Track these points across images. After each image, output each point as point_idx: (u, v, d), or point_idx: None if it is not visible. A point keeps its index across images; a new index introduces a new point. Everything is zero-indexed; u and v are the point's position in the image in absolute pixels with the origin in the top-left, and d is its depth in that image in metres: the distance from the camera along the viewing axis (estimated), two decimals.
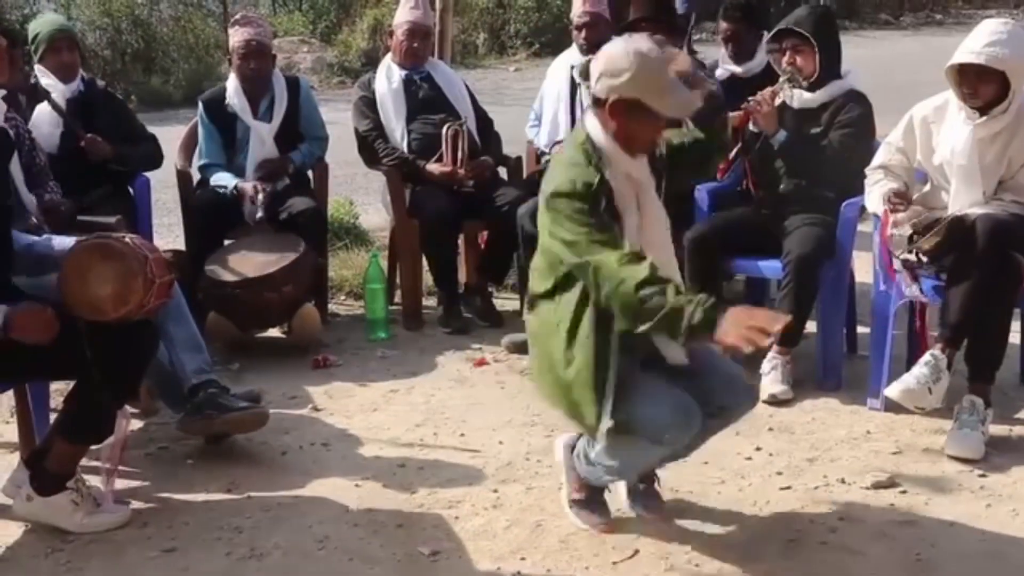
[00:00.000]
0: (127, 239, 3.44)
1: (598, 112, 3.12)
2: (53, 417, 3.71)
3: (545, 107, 5.61)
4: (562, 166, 3.17)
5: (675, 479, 3.60)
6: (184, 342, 3.83)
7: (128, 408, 3.69)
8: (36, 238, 3.58)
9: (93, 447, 3.48)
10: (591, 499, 3.41)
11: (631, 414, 3.03)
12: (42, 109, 4.80)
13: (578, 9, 5.63)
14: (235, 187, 5.07)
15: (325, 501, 3.61)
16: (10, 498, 3.41)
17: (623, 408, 3.02)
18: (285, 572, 3.19)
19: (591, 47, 5.56)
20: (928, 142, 4.17)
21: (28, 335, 3.11)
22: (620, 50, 3.07)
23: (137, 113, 5.90)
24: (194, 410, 3.82)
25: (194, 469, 3.83)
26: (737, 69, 5.30)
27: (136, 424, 4.13)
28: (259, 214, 4.99)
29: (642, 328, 2.89)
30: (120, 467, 3.75)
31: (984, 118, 3.97)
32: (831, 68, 4.62)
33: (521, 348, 4.86)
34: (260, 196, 5.00)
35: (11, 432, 3.92)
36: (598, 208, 3.02)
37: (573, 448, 3.39)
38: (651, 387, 3.10)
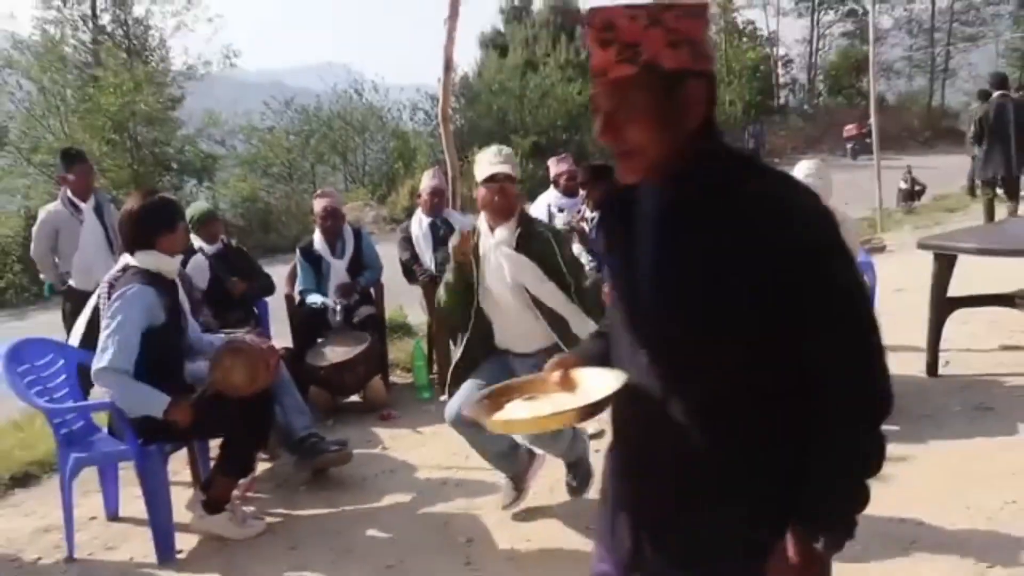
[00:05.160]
0: (249, 339, 3.53)
1: None
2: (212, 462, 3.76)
3: None
4: None
5: None
6: (294, 408, 3.88)
7: (260, 454, 3.76)
8: (206, 336, 3.68)
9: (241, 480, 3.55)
10: None
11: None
12: (195, 261, 4.92)
13: (554, 169, 5.89)
14: (322, 303, 5.17)
15: (395, 508, 3.64)
16: (191, 511, 3.43)
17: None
18: (372, 557, 3.20)
19: (566, 192, 5.80)
20: None
21: (177, 418, 3.19)
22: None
23: (259, 259, 5.99)
24: (303, 454, 3.87)
25: (306, 493, 3.85)
26: None
27: (266, 465, 4.19)
28: (338, 318, 5.08)
29: None
30: (252, 494, 3.81)
31: None
32: None
33: None
34: (338, 308, 5.09)
35: (187, 474, 3.97)
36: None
37: None
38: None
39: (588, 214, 5.10)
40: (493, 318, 3.29)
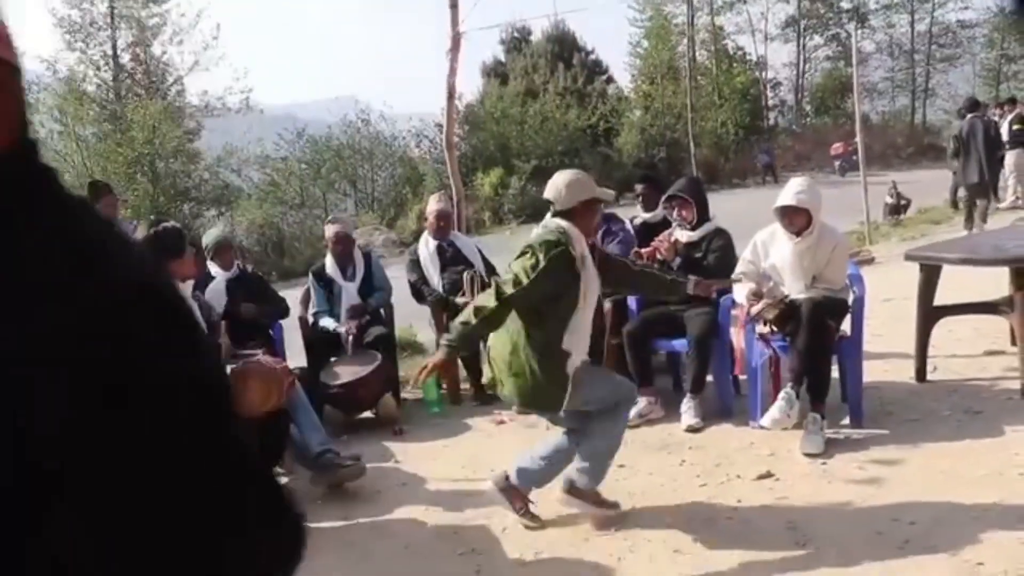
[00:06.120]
0: (262, 360, 3.53)
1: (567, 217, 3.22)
2: None
3: None
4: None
5: (632, 485, 3.61)
6: (309, 425, 3.87)
7: (277, 469, 3.74)
8: None
9: None
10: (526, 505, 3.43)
11: (593, 395, 3.17)
12: (212, 287, 4.95)
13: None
14: (334, 329, 5.16)
15: (408, 520, 3.62)
16: None
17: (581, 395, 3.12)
18: (386, 567, 3.20)
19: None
20: (767, 255, 4.26)
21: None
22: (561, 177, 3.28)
23: (274, 283, 6.01)
24: (319, 469, 3.86)
25: (322, 506, 3.83)
26: (647, 216, 5.32)
27: (284, 480, 4.17)
28: (350, 348, 5.05)
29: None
30: None
31: (799, 238, 4.07)
32: (703, 214, 4.71)
33: (527, 410, 4.89)
34: (350, 338, 5.06)
35: None
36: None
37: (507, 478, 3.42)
38: (601, 376, 3.28)
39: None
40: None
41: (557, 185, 3.29)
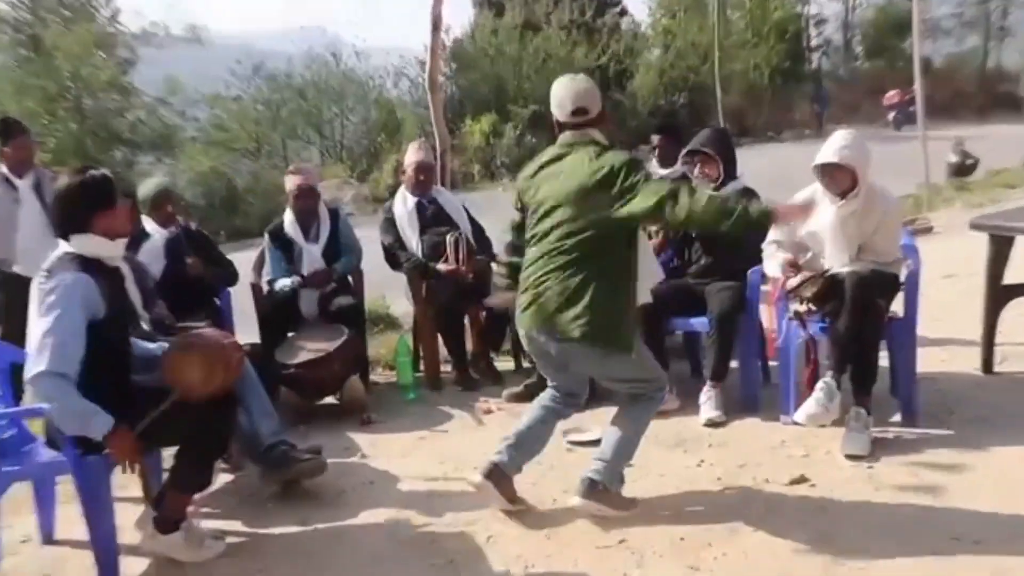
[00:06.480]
0: (206, 334, 3.47)
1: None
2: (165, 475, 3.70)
3: None
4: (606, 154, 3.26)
5: (640, 490, 3.58)
6: (261, 411, 3.81)
7: (220, 464, 3.70)
8: (149, 344, 3.60)
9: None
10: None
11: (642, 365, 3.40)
12: (148, 247, 4.87)
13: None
14: (292, 283, 5.16)
15: (375, 526, 3.58)
16: (141, 530, 3.38)
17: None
18: None
19: None
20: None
21: (115, 452, 3.09)
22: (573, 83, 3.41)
23: (222, 244, 5.94)
24: (271, 464, 3.82)
25: (274, 508, 3.80)
26: (664, 172, 5.28)
27: (228, 477, 4.14)
28: (309, 297, 5.07)
29: (728, 223, 3.05)
30: (206, 510, 3.77)
31: (843, 201, 4.04)
32: (730, 172, 4.69)
33: (518, 398, 4.87)
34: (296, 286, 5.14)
35: (136, 488, 3.90)
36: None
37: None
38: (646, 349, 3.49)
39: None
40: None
41: (583, 90, 3.39)
